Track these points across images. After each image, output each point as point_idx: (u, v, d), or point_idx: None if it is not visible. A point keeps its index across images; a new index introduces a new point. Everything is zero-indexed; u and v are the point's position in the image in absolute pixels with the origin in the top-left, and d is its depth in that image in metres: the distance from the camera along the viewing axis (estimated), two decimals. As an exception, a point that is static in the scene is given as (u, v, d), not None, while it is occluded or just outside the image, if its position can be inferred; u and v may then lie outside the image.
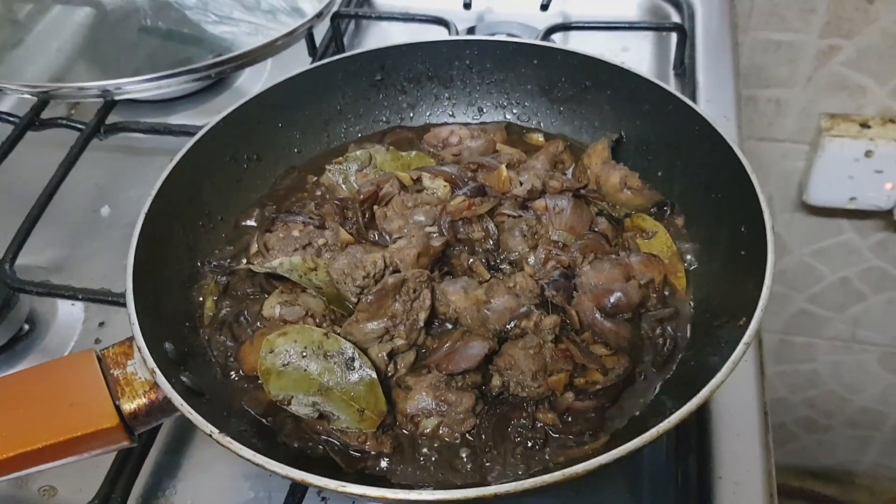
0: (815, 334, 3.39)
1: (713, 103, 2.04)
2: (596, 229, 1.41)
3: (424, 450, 1.23)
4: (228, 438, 1.08)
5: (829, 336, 3.39)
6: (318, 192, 1.57)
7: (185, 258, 1.45)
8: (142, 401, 1.19)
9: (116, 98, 1.88)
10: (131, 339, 1.21)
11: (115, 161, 2.03)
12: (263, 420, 1.28)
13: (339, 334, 1.26)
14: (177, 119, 2.09)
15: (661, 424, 1.04)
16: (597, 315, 1.30)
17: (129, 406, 1.18)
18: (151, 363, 1.16)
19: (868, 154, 2.78)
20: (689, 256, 1.42)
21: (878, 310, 3.31)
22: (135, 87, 1.83)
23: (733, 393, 1.43)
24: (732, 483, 1.35)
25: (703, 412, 1.42)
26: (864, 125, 2.79)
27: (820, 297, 3.25)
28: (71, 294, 1.57)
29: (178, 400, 1.12)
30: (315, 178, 1.59)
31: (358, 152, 1.57)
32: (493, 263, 1.39)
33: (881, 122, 2.80)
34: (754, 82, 2.74)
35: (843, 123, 2.80)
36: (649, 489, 1.39)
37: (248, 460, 1.06)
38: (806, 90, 2.76)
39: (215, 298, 1.42)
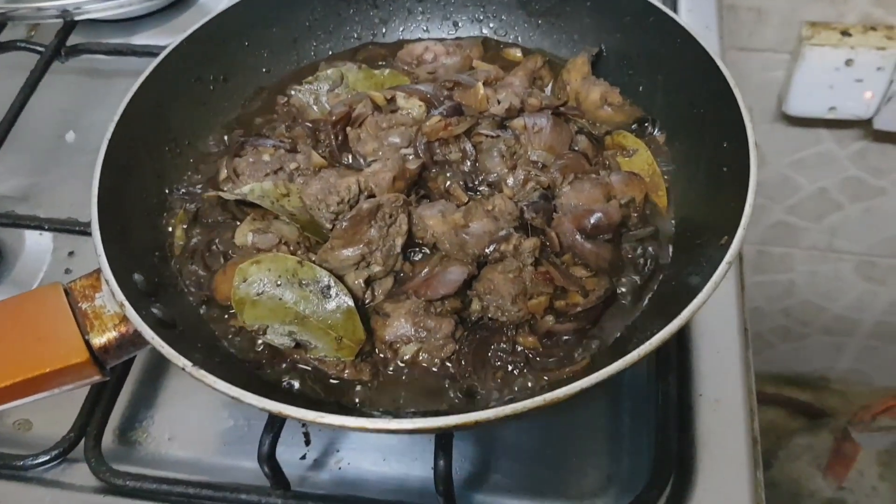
0: (792, 244, 3.39)
1: (694, 13, 1.97)
2: (576, 148, 1.37)
3: (404, 377, 1.20)
4: (202, 371, 1.04)
5: (807, 246, 3.39)
6: (288, 113, 1.50)
7: (152, 186, 1.39)
8: (111, 334, 1.15)
9: (77, 18, 1.80)
10: (99, 271, 1.17)
11: (78, 84, 1.95)
12: (237, 351, 1.24)
13: (314, 262, 1.23)
14: (140, 39, 2.00)
15: (642, 347, 1.01)
16: (577, 237, 1.26)
17: (98, 340, 1.15)
18: (120, 296, 1.12)
19: (848, 63, 2.72)
20: (670, 174, 1.38)
21: (855, 219, 3.30)
22: (95, 5, 1.75)
23: (714, 311, 1.41)
24: (713, 400, 1.34)
25: (683, 330, 1.39)
26: (845, 33, 2.73)
27: (798, 207, 3.24)
28: (37, 224, 1.52)
29: (148, 333, 1.09)
30: (285, 99, 1.52)
31: (328, 71, 1.50)
32: (471, 186, 1.34)
33: (862, 29, 2.73)
34: (736, -10, 2.66)
35: (824, 32, 2.73)
36: (629, 408, 1.38)
37: (224, 393, 1.03)
38: (787, -3, 2.69)
39: (185, 227, 1.37)
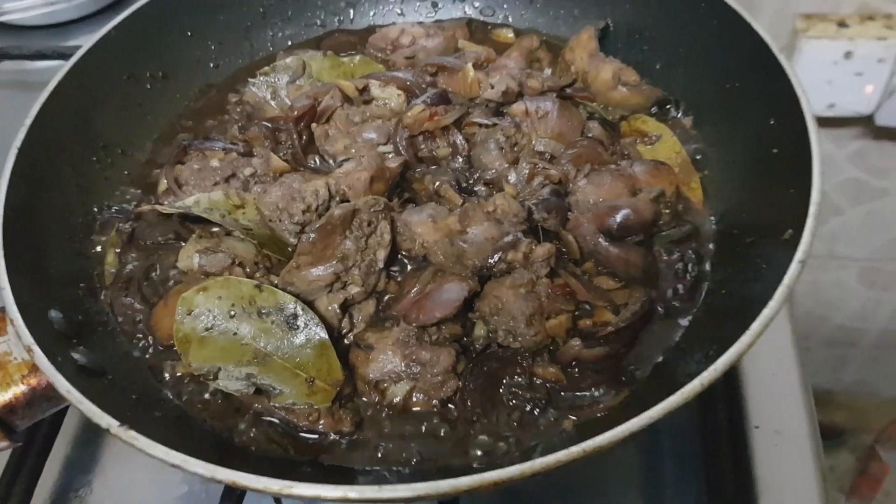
0: (791, 252, 3.20)
1: None
2: (589, 135, 1.15)
3: (396, 425, 0.96)
4: (132, 432, 0.81)
5: (807, 254, 3.19)
6: (242, 111, 1.28)
7: (75, 203, 1.15)
8: (18, 388, 0.91)
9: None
10: (2, 309, 0.91)
11: (8, 97, 1.70)
12: (184, 403, 1.00)
13: (275, 285, 1.00)
14: (72, 44, 1.75)
15: (699, 377, 0.80)
16: (600, 239, 1.04)
17: (2, 397, 0.89)
18: (28, 338, 0.88)
19: (847, 56, 2.53)
20: (703, 162, 1.17)
21: (855, 223, 3.11)
22: (16, 3, 1.50)
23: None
24: (773, 432, 1.10)
25: None
26: (843, 24, 2.55)
27: (796, 213, 3.05)
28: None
29: (63, 385, 0.85)
30: (237, 97, 1.30)
31: (288, 59, 1.28)
32: (465, 185, 1.13)
33: (860, 19, 2.55)
34: (726, -18, 2.47)
35: (820, 24, 2.55)
36: (669, 446, 1.13)
37: (161, 459, 0.79)
38: (780, -11, 2.50)
39: (118, 251, 1.14)
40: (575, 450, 0.75)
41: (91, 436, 1.21)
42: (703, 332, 0.97)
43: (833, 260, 3.14)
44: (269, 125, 1.20)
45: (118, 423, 0.80)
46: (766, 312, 0.82)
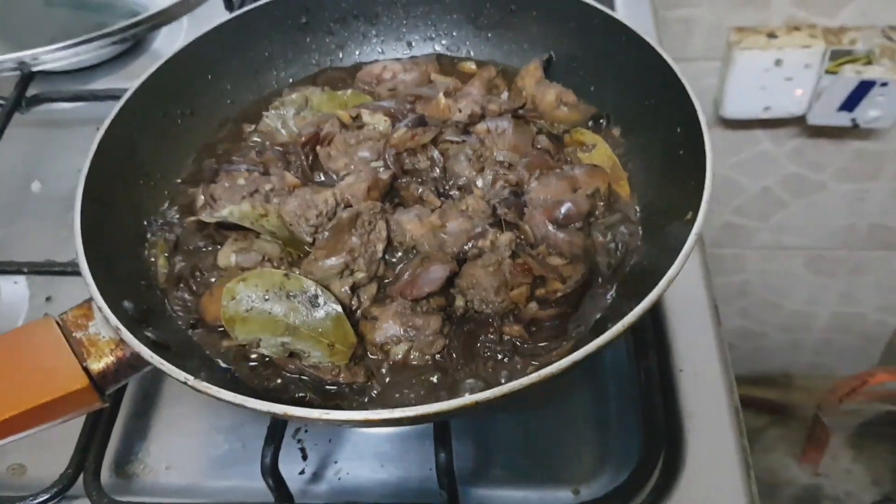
0: (742, 245, 3.49)
1: (632, 20, 2.06)
2: (538, 147, 1.43)
3: (398, 376, 1.23)
4: (205, 384, 1.06)
5: (756, 245, 3.50)
6: (257, 140, 1.55)
7: (130, 218, 1.41)
8: (109, 359, 1.17)
9: (34, 69, 1.82)
10: (89, 300, 1.19)
11: (40, 135, 1.97)
12: (233, 367, 1.26)
13: (299, 274, 1.26)
14: (98, 86, 2.03)
15: (620, 322, 1.06)
16: (549, 227, 1.32)
17: (96, 366, 1.16)
18: (114, 320, 1.13)
19: (777, 63, 2.85)
20: (629, 164, 1.44)
21: (799, 215, 3.42)
22: (51, 55, 1.77)
23: (684, 289, 1.48)
24: (693, 374, 1.39)
25: (658, 309, 1.46)
26: (772, 35, 2.85)
27: (744, 208, 3.35)
28: (15, 269, 1.53)
29: (146, 353, 1.10)
30: (252, 127, 1.57)
31: (293, 95, 1.55)
32: (442, 191, 1.39)
33: (787, 30, 2.86)
34: (664, 3, 2.79)
35: (752, 36, 2.86)
36: (614, 391, 1.43)
37: (228, 402, 1.04)
38: (713, 7, 2.81)
39: (167, 256, 1.39)
40: (534, 375, 1.01)
41: (144, 409, 1.47)
42: (629, 293, 1.24)
43: (781, 250, 3.45)
44: (281, 149, 1.47)
45: (193, 377, 1.07)
46: (671, 273, 1.08)
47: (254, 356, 1.25)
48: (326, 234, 1.26)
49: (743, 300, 3.74)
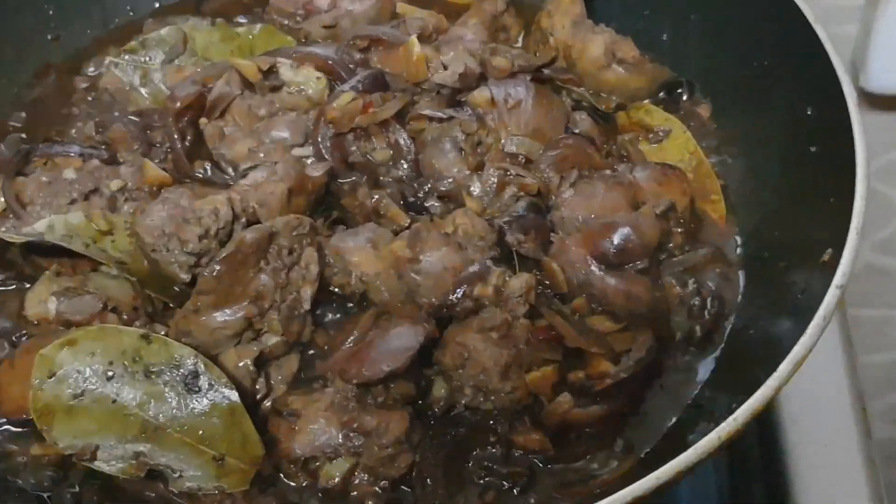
0: (893, 302, 3.44)
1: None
2: (575, 131, 1.40)
3: None
4: None
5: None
6: (97, 101, 1.51)
7: None
8: None
9: None
10: None
11: None
12: (46, 492, 1.20)
13: (166, 335, 1.21)
14: None
15: (712, 433, 1.02)
16: (593, 268, 1.28)
17: None
18: None
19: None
20: (725, 165, 1.43)
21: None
22: None
23: (813, 378, 1.43)
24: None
25: (769, 413, 1.42)
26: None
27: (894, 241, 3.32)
28: None
29: None
30: (88, 82, 1.53)
31: (163, 31, 1.50)
32: (412, 200, 1.36)
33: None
34: None
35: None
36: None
37: None
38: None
39: None
40: None
41: None
42: (725, 384, 1.21)
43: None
44: (139, 121, 1.42)
45: None
46: (796, 351, 1.04)
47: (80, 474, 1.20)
48: (217, 267, 1.20)
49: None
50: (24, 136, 1.45)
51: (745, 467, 1.34)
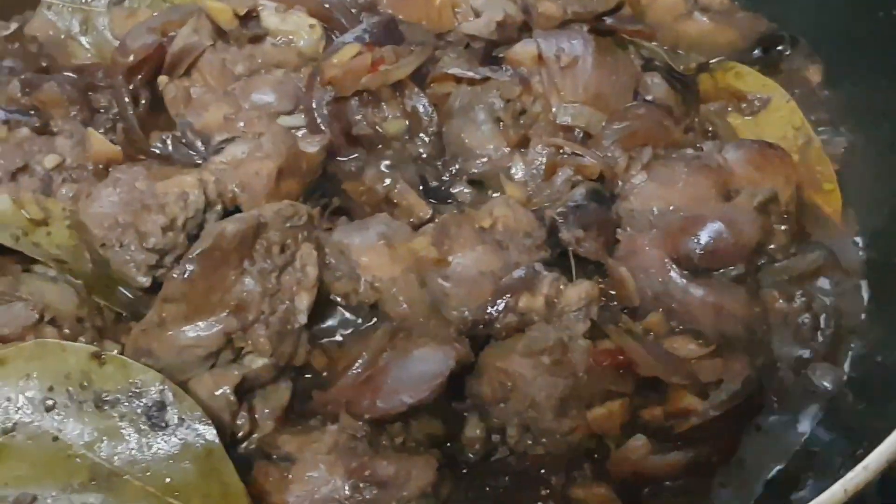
0: None
1: None
2: (647, 97, 1.44)
3: None
4: None
5: None
6: (23, 55, 1.56)
7: None
8: None
9: None
10: None
11: None
12: None
13: (121, 354, 1.24)
14: None
15: (840, 483, 1.05)
16: (673, 274, 1.32)
17: None
18: None
19: None
20: (840, 145, 1.46)
21: None
22: None
23: None
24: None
25: None
26: None
27: None
28: None
29: None
30: (12, 27, 1.58)
31: None
32: (434, 184, 1.41)
33: None
34: None
35: None
36: None
37: None
38: None
39: None
40: None
41: None
42: (844, 426, 1.25)
43: None
44: (78, 79, 1.46)
45: None
46: None
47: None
48: (188, 268, 1.23)
49: None
50: None
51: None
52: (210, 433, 1.20)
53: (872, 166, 1.42)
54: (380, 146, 1.43)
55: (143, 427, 1.20)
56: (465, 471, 1.27)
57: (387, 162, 1.42)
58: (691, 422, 1.25)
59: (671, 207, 1.35)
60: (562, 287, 1.29)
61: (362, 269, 1.31)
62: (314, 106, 1.39)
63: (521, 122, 1.40)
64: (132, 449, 1.20)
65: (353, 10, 1.47)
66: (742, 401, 1.26)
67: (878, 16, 1.43)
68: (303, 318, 1.29)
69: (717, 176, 1.38)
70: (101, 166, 1.39)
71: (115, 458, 1.19)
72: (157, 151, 1.43)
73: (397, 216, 1.36)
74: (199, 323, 1.25)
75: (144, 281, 1.31)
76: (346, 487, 1.21)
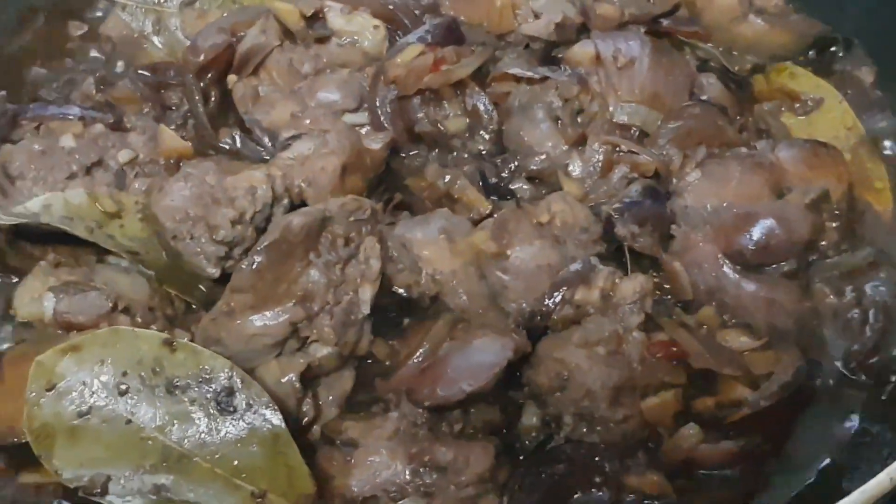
0: None
1: None
2: (703, 98, 1.46)
3: None
4: None
5: None
6: (97, 56, 1.59)
7: None
8: None
9: None
10: None
11: None
12: None
13: (192, 341, 1.27)
14: None
15: (886, 471, 1.07)
16: (726, 269, 1.34)
17: None
18: None
19: None
20: (892, 144, 1.49)
21: None
22: None
23: None
24: None
25: None
26: None
27: None
28: None
29: None
30: (84, 28, 1.61)
31: None
32: (494, 181, 1.43)
33: None
34: None
35: None
36: None
37: None
38: None
39: None
40: None
41: None
42: (892, 416, 1.27)
43: None
44: (151, 77, 1.49)
45: None
46: None
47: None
48: (257, 259, 1.25)
49: None
50: (4, 92, 1.51)
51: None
52: (276, 418, 1.23)
53: (923, 165, 1.41)
54: (441, 143, 1.45)
55: (212, 411, 1.23)
56: (521, 457, 1.29)
57: (448, 158, 1.44)
58: (743, 412, 1.27)
59: (724, 204, 1.37)
60: (617, 281, 1.31)
61: (423, 262, 1.34)
62: (378, 104, 1.42)
63: (579, 120, 1.42)
64: (202, 432, 1.23)
65: (416, 12, 1.50)
66: (792, 392, 1.29)
67: (931, 16, 1.43)
68: (366, 309, 1.31)
69: (770, 174, 1.40)
70: (172, 161, 1.42)
71: (186, 440, 1.22)
72: (227, 147, 1.48)
73: (458, 211, 1.39)
74: (267, 312, 1.28)
75: (214, 272, 1.34)
76: (407, 472, 1.24)
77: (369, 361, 1.35)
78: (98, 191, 1.38)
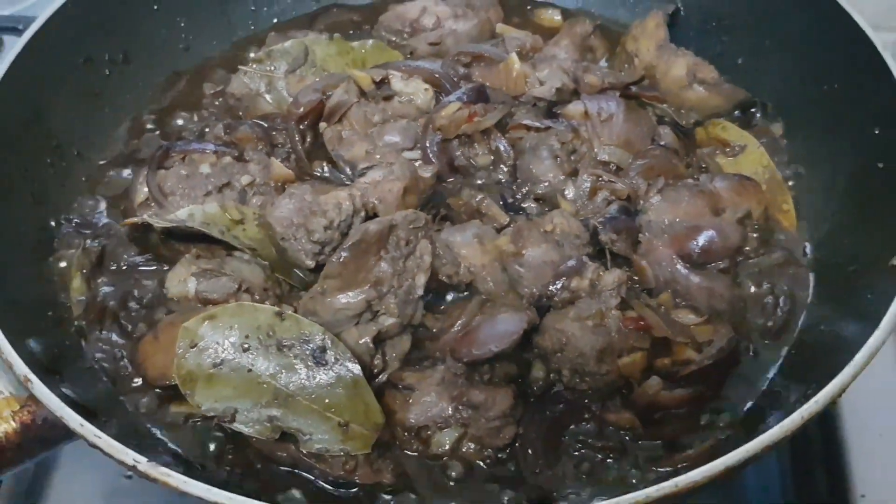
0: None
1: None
2: (661, 143, 1.49)
3: (444, 478, 1.27)
4: (163, 469, 1.07)
5: None
6: (223, 106, 1.61)
7: (29, 216, 1.44)
8: (8, 426, 1.17)
9: None
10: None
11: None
12: (186, 451, 1.30)
13: (295, 313, 1.29)
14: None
15: (796, 412, 1.09)
16: (678, 266, 1.37)
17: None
18: (22, 367, 1.14)
19: None
20: (795, 178, 1.51)
21: None
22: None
23: (875, 376, 1.44)
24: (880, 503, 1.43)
25: (830, 409, 1.45)
26: None
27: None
28: None
29: (74, 419, 1.10)
30: (217, 87, 1.62)
31: (286, 44, 1.59)
32: (510, 201, 1.45)
33: None
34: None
35: None
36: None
37: (200, 497, 1.05)
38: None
39: (85, 273, 1.43)
40: (651, 490, 1.03)
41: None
42: (797, 374, 1.28)
43: None
44: (265, 124, 1.52)
45: (147, 460, 1.07)
46: (872, 342, 1.12)
47: (218, 437, 1.30)
48: (344, 254, 1.29)
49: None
50: (160, 134, 1.55)
51: (807, 455, 1.39)
52: (356, 369, 1.25)
53: (817, 194, 1.47)
54: (472, 173, 1.48)
55: (310, 364, 1.25)
56: (531, 400, 1.32)
57: (478, 184, 1.47)
58: (690, 368, 1.30)
59: (677, 220, 1.40)
60: (601, 273, 1.34)
61: (462, 259, 1.37)
62: (427, 145, 1.45)
63: (572, 158, 1.44)
64: (302, 379, 1.25)
65: (455, 79, 1.51)
66: (726, 355, 1.31)
67: (823, 88, 1.48)
68: (420, 291, 1.35)
69: (710, 199, 1.43)
70: (280, 184, 1.45)
71: (290, 384, 1.25)
72: (319, 175, 1.51)
73: (485, 222, 1.42)
74: (349, 293, 1.31)
75: (311, 264, 1.37)
76: (449, 409, 1.28)
77: (422, 329, 1.37)
78: (227, 204, 1.41)
